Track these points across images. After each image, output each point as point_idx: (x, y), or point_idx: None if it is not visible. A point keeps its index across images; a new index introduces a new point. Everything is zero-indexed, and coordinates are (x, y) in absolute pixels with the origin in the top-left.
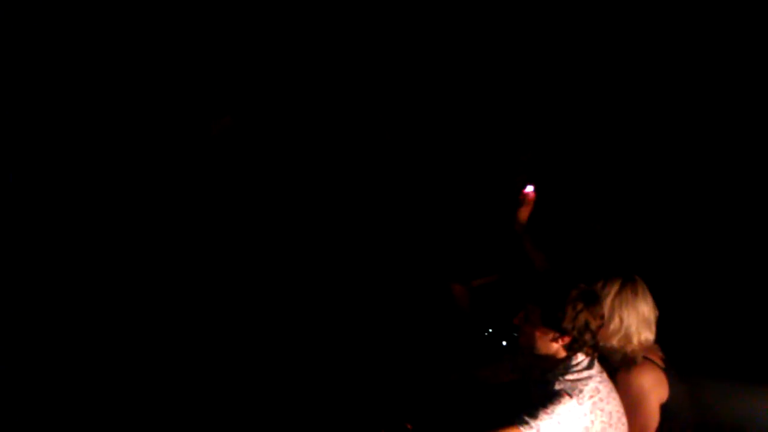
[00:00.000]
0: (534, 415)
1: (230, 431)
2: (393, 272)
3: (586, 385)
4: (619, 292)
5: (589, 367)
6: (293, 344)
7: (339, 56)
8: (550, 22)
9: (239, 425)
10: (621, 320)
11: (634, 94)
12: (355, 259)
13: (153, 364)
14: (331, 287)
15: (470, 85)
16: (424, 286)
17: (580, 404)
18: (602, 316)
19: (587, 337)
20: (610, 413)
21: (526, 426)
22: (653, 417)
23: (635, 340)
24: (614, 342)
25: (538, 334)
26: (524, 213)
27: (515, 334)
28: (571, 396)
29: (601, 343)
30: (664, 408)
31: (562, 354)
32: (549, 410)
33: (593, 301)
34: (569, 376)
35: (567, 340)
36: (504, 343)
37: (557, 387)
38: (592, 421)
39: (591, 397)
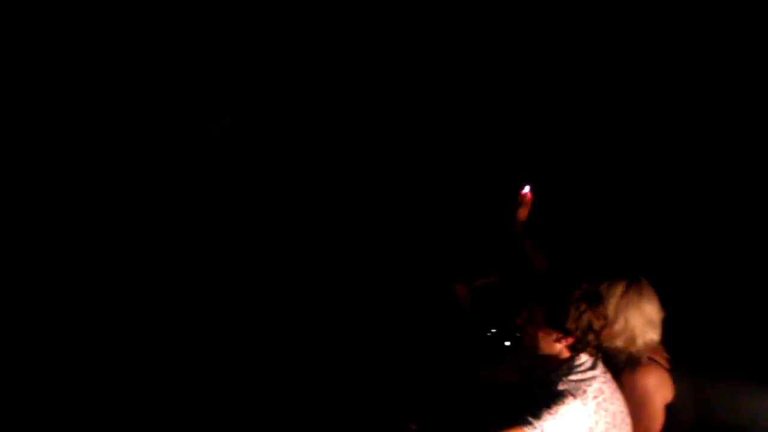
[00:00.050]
0: (538, 416)
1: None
2: (396, 273)
3: (590, 385)
4: (624, 293)
5: (593, 367)
6: (297, 345)
7: (340, 57)
8: (552, 23)
9: (242, 426)
10: (626, 321)
11: (635, 94)
12: (357, 260)
13: (153, 364)
14: (334, 288)
15: (472, 85)
16: (427, 287)
17: (584, 405)
18: (605, 317)
19: (590, 337)
20: (614, 414)
21: (530, 426)
22: (658, 417)
23: (640, 341)
24: (619, 343)
25: (541, 334)
26: (523, 214)
27: (518, 335)
28: (574, 396)
29: (605, 344)
30: (669, 408)
31: (566, 354)
32: (553, 411)
33: (596, 301)
34: (573, 377)
35: (570, 340)
36: (507, 343)
37: (561, 387)
38: (596, 422)
39: (595, 397)
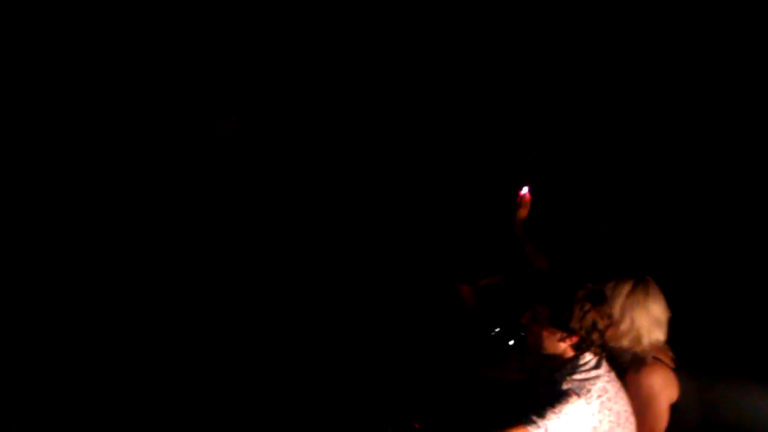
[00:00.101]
0: (542, 415)
1: (234, 426)
2: (400, 272)
3: (594, 384)
4: (630, 293)
5: (597, 366)
6: (301, 344)
7: (343, 58)
8: (556, 22)
9: (245, 426)
10: (632, 321)
11: (639, 93)
12: (362, 260)
13: (154, 363)
14: (338, 288)
15: (475, 85)
16: (431, 286)
17: (588, 404)
18: (610, 316)
19: (595, 336)
20: (618, 413)
21: (534, 426)
22: (663, 417)
23: (646, 341)
24: (625, 342)
25: (545, 333)
26: (522, 214)
27: (522, 334)
28: (579, 395)
29: (611, 344)
30: (674, 408)
31: (570, 354)
32: (557, 410)
33: (600, 300)
34: (577, 376)
35: (575, 339)
36: (511, 342)
37: (565, 387)
38: (600, 421)
39: (599, 396)
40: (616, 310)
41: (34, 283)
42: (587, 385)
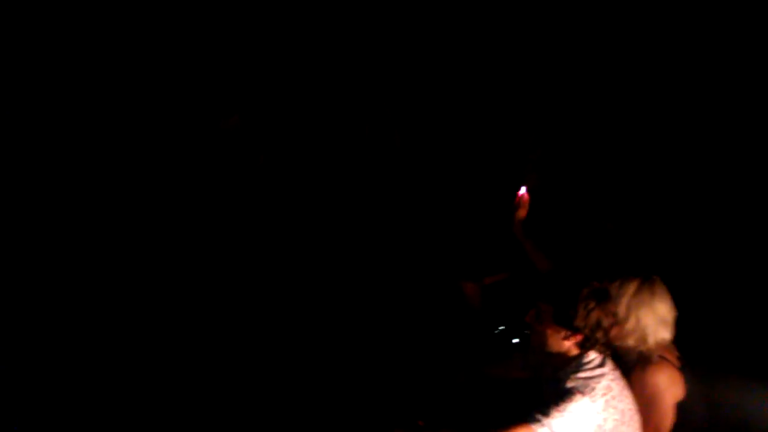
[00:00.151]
0: (546, 413)
1: (241, 425)
2: (405, 270)
3: (599, 383)
4: (636, 292)
5: (602, 364)
6: (306, 343)
7: (348, 58)
8: (560, 21)
9: (249, 425)
10: (637, 320)
11: (645, 92)
12: (367, 258)
13: (154, 363)
14: (343, 286)
15: (479, 84)
16: (435, 284)
17: (592, 402)
18: (614, 314)
19: (599, 335)
20: (623, 411)
21: (538, 424)
22: (668, 415)
23: (651, 340)
24: (630, 342)
25: (549, 332)
26: (521, 215)
27: (526, 332)
28: (583, 394)
29: (616, 343)
30: (679, 406)
31: (574, 352)
32: (561, 408)
33: (605, 299)
34: (581, 374)
35: (579, 338)
36: (515, 340)
37: (569, 385)
38: (605, 419)
39: (603, 395)
40: (622, 309)
41: (34, 283)
42: (592, 383)
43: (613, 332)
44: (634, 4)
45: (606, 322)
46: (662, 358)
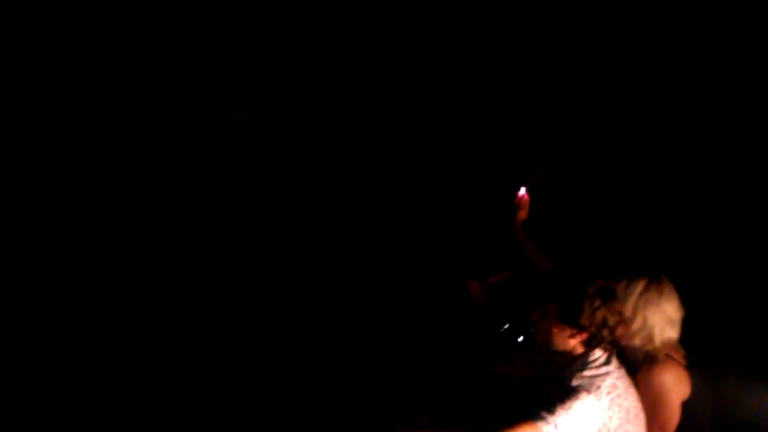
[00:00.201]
0: (551, 411)
1: (243, 424)
2: (409, 269)
3: (604, 381)
4: (643, 292)
5: (607, 363)
6: (311, 340)
7: (353, 57)
8: (566, 18)
9: (252, 423)
10: (644, 320)
11: (651, 89)
12: (372, 256)
13: (154, 363)
14: (348, 284)
15: (484, 83)
16: (440, 283)
17: (597, 400)
18: (620, 312)
19: (605, 333)
20: (628, 409)
21: (543, 422)
22: (674, 414)
23: (658, 340)
24: (637, 341)
25: (555, 330)
26: (522, 216)
27: (532, 331)
28: (588, 392)
29: (623, 342)
30: (685, 405)
31: (580, 350)
32: (566, 406)
33: (611, 297)
34: (587, 372)
35: (584, 336)
36: (520, 339)
37: (575, 383)
38: (610, 417)
39: (609, 393)
40: (629, 308)
41: (34, 283)
42: (597, 381)
43: (620, 331)
44: (641, 1)
45: (612, 321)
46: (669, 357)
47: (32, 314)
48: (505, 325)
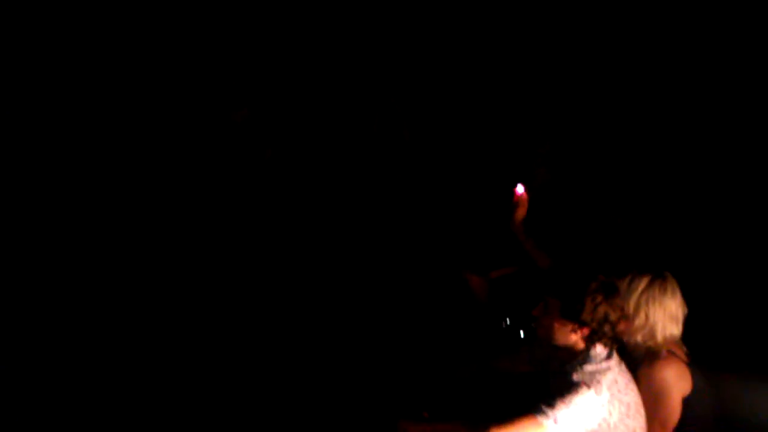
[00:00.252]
0: (552, 405)
1: (244, 417)
2: (412, 263)
3: (605, 376)
4: (646, 288)
5: (608, 358)
6: (311, 335)
7: (356, 53)
8: (570, 14)
9: (251, 417)
10: (647, 317)
11: (656, 85)
12: (374, 252)
13: (154, 363)
14: (350, 280)
15: (488, 79)
16: (442, 278)
17: (598, 395)
18: (622, 308)
19: (606, 328)
20: (628, 404)
21: (544, 416)
22: (675, 410)
23: (660, 337)
24: (638, 338)
25: (556, 325)
26: (520, 214)
27: (533, 326)
28: (589, 387)
29: (624, 338)
30: (687, 402)
31: (581, 345)
32: (567, 400)
33: (612, 293)
34: (588, 367)
35: (586, 331)
36: (522, 334)
37: (575, 378)
38: (610, 412)
39: (609, 388)
40: (632, 305)
41: (34, 283)
42: (597, 376)
43: (621, 327)
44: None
45: (613, 316)
46: (670, 353)
47: (32, 314)
48: (506, 320)
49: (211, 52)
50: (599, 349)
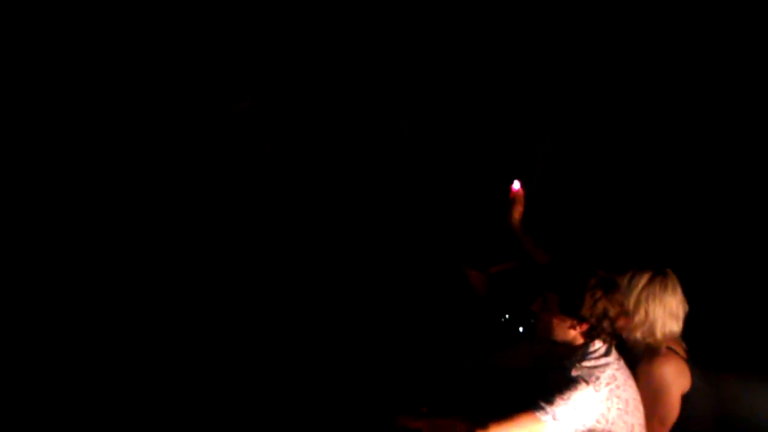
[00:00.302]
0: (550, 401)
1: (245, 413)
2: (411, 259)
3: (603, 372)
4: (647, 285)
5: (607, 354)
6: (310, 330)
7: (357, 47)
8: (571, 10)
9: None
10: (646, 313)
11: (657, 81)
12: (373, 247)
13: (154, 363)
14: (349, 274)
15: (489, 74)
16: (442, 273)
17: (596, 391)
18: (621, 304)
19: (605, 324)
20: (627, 400)
21: (542, 412)
22: (674, 407)
23: (659, 333)
24: (638, 334)
25: (555, 321)
26: (518, 211)
27: (532, 321)
28: (587, 383)
29: (624, 334)
30: (686, 399)
31: (580, 341)
32: (565, 396)
33: (612, 288)
34: (586, 363)
35: (585, 327)
36: (521, 329)
37: (574, 374)
38: (609, 408)
39: (608, 384)
40: (631, 301)
41: (34, 283)
42: (596, 372)
43: (620, 323)
44: None
45: (613, 312)
46: (670, 349)
47: (32, 314)
48: (505, 315)
49: (213, 44)
50: (598, 345)
